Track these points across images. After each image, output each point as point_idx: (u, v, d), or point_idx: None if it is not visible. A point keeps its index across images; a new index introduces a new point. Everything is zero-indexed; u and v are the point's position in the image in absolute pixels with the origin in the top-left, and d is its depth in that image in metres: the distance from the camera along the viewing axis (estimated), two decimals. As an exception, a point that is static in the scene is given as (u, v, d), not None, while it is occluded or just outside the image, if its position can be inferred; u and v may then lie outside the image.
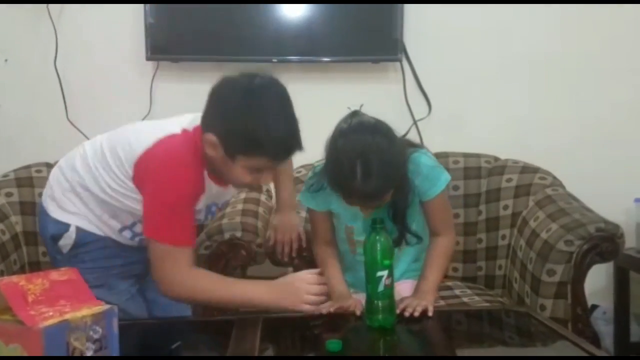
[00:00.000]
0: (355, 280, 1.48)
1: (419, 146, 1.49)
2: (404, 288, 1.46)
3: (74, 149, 1.50)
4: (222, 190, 1.42)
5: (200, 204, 1.38)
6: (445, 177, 1.46)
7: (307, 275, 1.32)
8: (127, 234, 1.44)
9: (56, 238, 1.43)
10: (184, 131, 1.33)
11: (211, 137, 1.26)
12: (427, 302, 1.34)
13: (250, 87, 1.25)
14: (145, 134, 1.34)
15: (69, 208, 1.43)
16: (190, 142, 1.31)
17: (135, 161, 1.31)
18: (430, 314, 1.32)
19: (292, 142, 1.28)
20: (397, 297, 1.33)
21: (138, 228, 1.42)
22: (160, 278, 1.32)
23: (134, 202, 1.35)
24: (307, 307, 1.29)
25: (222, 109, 1.27)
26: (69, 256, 1.43)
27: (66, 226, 1.42)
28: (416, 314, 1.32)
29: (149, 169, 1.30)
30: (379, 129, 1.32)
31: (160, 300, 1.56)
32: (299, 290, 1.29)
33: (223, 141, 1.25)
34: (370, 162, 1.26)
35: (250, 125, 1.23)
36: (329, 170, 1.34)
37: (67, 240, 1.42)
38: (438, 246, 1.49)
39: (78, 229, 1.42)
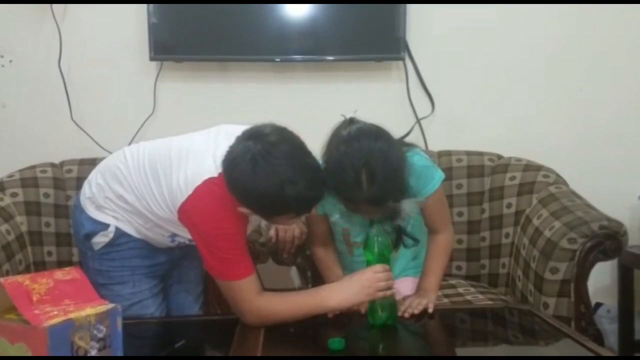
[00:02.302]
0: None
1: (413, 145, 1.48)
2: (404, 285, 1.47)
3: (113, 156, 1.52)
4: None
5: (248, 230, 1.40)
6: (439, 176, 1.46)
7: (370, 271, 1.32)
8: (167, 239, 1.47)
9: (90, 235, 1.46)
10: (221, 175, 1.30)
11: (242, 209, 1.28)
12: (429, 300, 1.35)
13: (255, 154, 1.22)
14: (185, 171, 1.33)
15: (109, 212, 1.46)
16: (222, 187, 1.30)
17: (178, 207, 1.33)
18: (430, 310, 1.33)
19: (311, 194, 1.27)
20: (397, 296, 1.34)
21: (178, 237, 1.46)
22: (235, 309, 1.36)
23: (176, 225, 1.38)
24: (380, 294, 1.30)
25: (238, 187, 1.26)
26: (99, 253, 1.47)
27: (105, 225, 1.45)
28: (416, 311, 1.32)
29: (193, 220, 1.32)
30: (379, 135, 1.32)
31: (175, 301, 1.61)
32: (369, 282, 1.30)
33: (253, 210, 1.28)
34: (374, 170, 1.25)
35: (266, 196, 1.22)
36: (330, 179, 1.31)
37: (102, 238, 1.45)
38: (438, 244, 1.49)
39: (117, 229, 1.45)
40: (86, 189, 1.51)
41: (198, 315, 1.57)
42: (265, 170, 1.21)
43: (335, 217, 1.44)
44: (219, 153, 1.30)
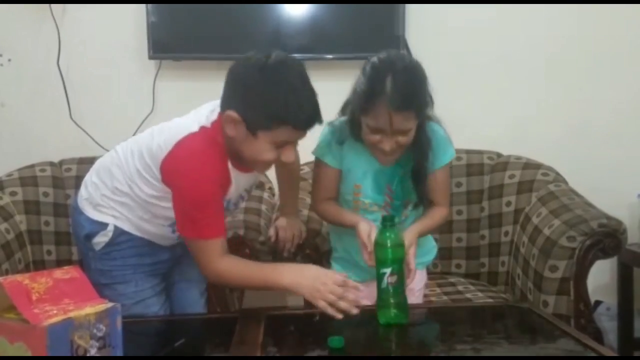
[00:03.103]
0: (352, 248, 1.50)
1: (437, 119, 1.52)
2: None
3: (107, 154, 1.53)
4: (250, 176, 1.45)
5: (231, 194, 1.40)
6: (451, 152, 1.53)
7: (336, 276, 1.32)
8: (168, 229, 1.47)
9: (90, 236, 1.46)
10: (202, 128, 1.34)
11: (232, 113, 1.27)
12: (408, 239, 1.38)
13: (267, 63, 1.26)
14: (166, 135, 1.36)
15: (107, 211, 1.46)
16: (209, 138, 1.33)
17: (160, 165, 1.34)
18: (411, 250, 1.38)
19: (312, 111, 1.29)
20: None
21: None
22: (199, 267, 1.39)
23: (170, 202, 1.38)
24: (322, 304, 1.27)
25: (240, 85, 1.29)
26: (100, 253, 1.47)
27: (104, 225, 1.45)
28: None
29: (173, 171, 1.33)
30: (406, 55, 1.45)
31: (180, 298, 1.61)
32: (324, 286, 1.28)
33: (244, 116, 1.26)
34: (399, 70, 1.36)
35: (270, 96, 1.24)
36: (357, 90, 1.40)
37: (102, 238, 1.45)
38: (434, 210, 1.53)
39: (116, 228, 1.45)
40: (82, 190, 1.51)
41: (198, 314, 1.57)
42: (274, 77, 1.25)
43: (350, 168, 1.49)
44: (201, 114, 1.36)
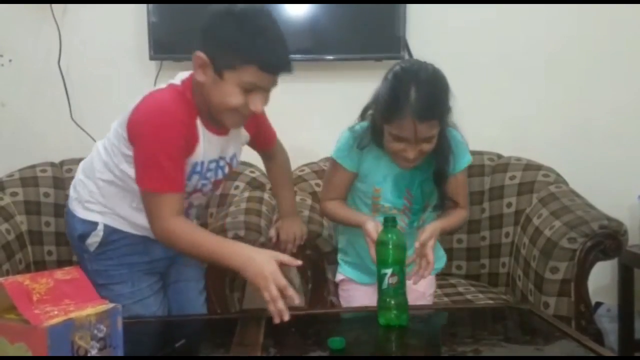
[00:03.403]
0: (364, 252, 1.51)
1: (453, 124, 1.56)
2: (422, 282, 1.47)
3: (91, 153, 1.53)
4: (224, 141, 1.43)
5: (200, 156, 1.38)
6: (469, 158, 1.59)
7: (280, 279, 1.21)
8: None
9: (84, 237, 1.46)
10: (171, 85, 1.36)
11: (200, 54, 1.28)
12: (427, 233, 1.41)
13: (236, 7, 1.29)
14: (135, 102, 1.37)
15: (94, 207, 1.46)
16: (177, 93, 1.34)
17: (126, 123, 1.34)
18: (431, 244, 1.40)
19: (280, 53, 1.29)
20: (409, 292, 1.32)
21: None
22: (149, 223, 1.35)
23: None
24: (266, 296, 1.21)
25: (209, 28, 1.30)
26: (95, 254, 1.46)
27: (94, 225, 1.45)
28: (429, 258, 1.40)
29: (135, 123, 1.32)
30: (428, 63, 1.45)
31: (178, 298, 1.60)
32: (271, 275, 1.21)
33: (212, 57, 1.27)
34: (422, 79, 1.39)
35: (237, 35, 1.25)
36: (380, 100, 1.44)
37: (94, 239, 1.45)
38: (457, 211, 1.58)
39: (106, 227, 1.44)
40: (71, 192, 1.51)
41: (198, 315, 1.57)
42: (243, 17, 1.27)
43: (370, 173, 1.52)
44: (175, 79, 1.39)
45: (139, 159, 1.33)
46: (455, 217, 1.57)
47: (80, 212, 1.47)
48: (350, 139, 1.55)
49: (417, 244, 1.41)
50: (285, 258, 1.27)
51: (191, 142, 1.34)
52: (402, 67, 1.44)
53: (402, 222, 1.55)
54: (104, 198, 1.45)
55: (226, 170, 1.50)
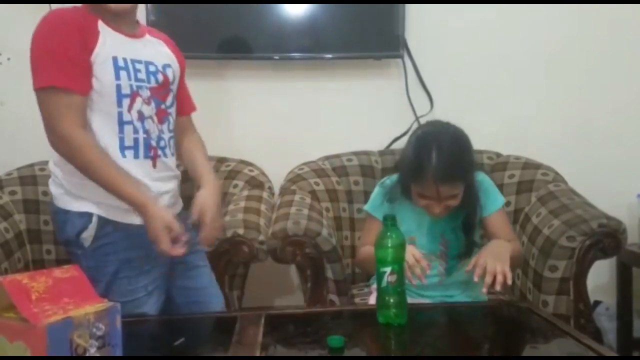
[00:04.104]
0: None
1: (480, 168, 1.66)
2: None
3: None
4: (138, 43, 1.46)
5: (109, 49, 1.37)
6: (501, 200, 1.64)
7: (165, 244, 1.33)
8: (147, 163, 1.45)
9: (79, 232, 1.41)
10: None
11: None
12: (504, 264, 1.38)
13: None
14: None
15: (77, 193, 1.41)
16: (74, 8, 1.39)
17: None
18: (509, 281, 1.37)
19: None
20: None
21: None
22: (46, 131, 1.34)
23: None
24: (161, 248, 1.33)
25: None
26: (91, 249, 1.41)
27: (89, 217, 1.40)
28: (498, 287, 1.38)
29: (31, 38, 1.34)
30: (450, 124, 1.54)
31: (193, 287, 1.57)
32: (154, 235, 1.33)
33: None
34: (443, 143, 1.47)
35: None
36: (405, 161, 1.54)
37: (89, 232, 1.40)
38: (510, 242, 1.56)
39: (99, 218, 1.40)
40: (53, 189, 1.47)
41: (197, 313, 1.57)
42: None
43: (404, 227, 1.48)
44: None
45: (32, 61, 1.32)
46: (515, 249, 1.57)
47: (73, 206, 1.42)
48: (380, 194, 1.65)
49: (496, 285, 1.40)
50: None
51: (89, 36, 1.34)
52: (425, 130, 1.56)
53: (440, 266, 1.62)
54: (81, 178, 1.39)
55: (160, 78, 1.47)
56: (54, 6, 2.24)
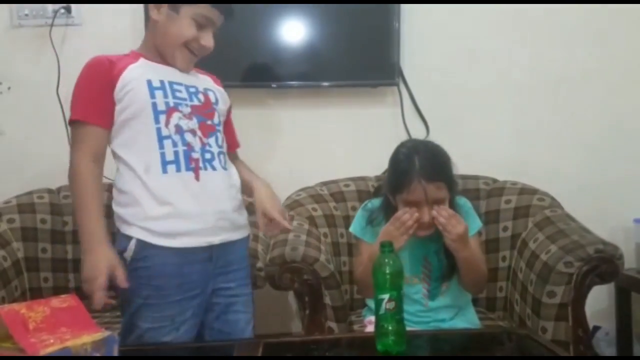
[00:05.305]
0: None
1: (459, 193, 1.72)
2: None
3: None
4: (177, 72, 1.52)
5: (138, 74, 1.45)
6: (479, 224, 1.71)
7: (98, 282, 1.32)
8: (189, 176, 1.46)
9: (121, 252, 1.42)
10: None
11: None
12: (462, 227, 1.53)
13: None
14: None
15: (130, 220, 1.43)
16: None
17: None
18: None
19: None
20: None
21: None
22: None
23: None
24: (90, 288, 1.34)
25: None
26: (129, 270, 1.40)
27: (128, 239, 1.42)
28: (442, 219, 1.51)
29: None
30: (427, 140, 1.67)
31: (224, 328, 1.55)
32: (86, 278, 1.35)
33: None
34: (422, 150, 1.58)
35: None
36: (389, 176, 1.62)
37: (128, 253, 1.42)
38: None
39: (138, 241, 1.41)
40: (116, 209, 1.48)
41: (193, 343, 1.54)
42: None
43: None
44: None
45: (74, 98, 1.46)
46: (479, 262, 1.64)
47: (121, 227, 1.45)
48: (363, 217, 1.70)
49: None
50: (120, 274, 1.35)
51: (118, 70, 1.44)
52: (405, 144, 1.64)
53: (424, 289, 1.66)
54: (126, 208, 1.44)
55: (202, 98, 1.53)
56: (54, 33, 2.28)
